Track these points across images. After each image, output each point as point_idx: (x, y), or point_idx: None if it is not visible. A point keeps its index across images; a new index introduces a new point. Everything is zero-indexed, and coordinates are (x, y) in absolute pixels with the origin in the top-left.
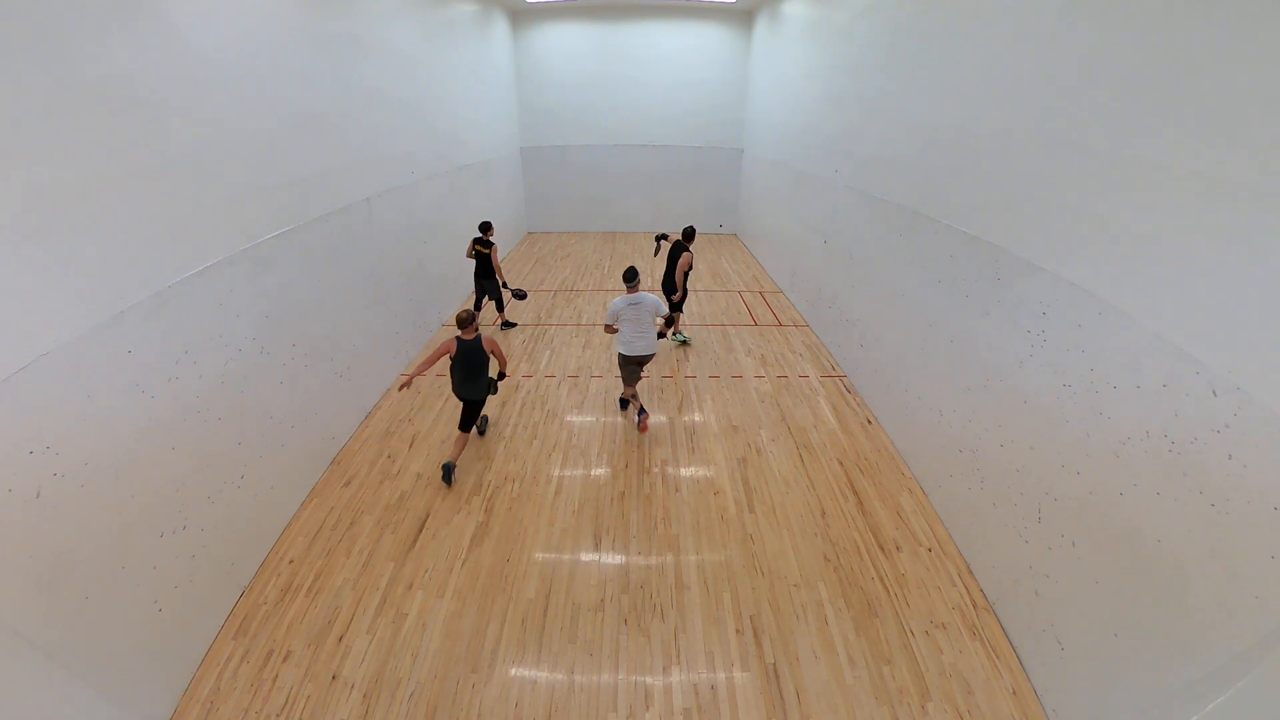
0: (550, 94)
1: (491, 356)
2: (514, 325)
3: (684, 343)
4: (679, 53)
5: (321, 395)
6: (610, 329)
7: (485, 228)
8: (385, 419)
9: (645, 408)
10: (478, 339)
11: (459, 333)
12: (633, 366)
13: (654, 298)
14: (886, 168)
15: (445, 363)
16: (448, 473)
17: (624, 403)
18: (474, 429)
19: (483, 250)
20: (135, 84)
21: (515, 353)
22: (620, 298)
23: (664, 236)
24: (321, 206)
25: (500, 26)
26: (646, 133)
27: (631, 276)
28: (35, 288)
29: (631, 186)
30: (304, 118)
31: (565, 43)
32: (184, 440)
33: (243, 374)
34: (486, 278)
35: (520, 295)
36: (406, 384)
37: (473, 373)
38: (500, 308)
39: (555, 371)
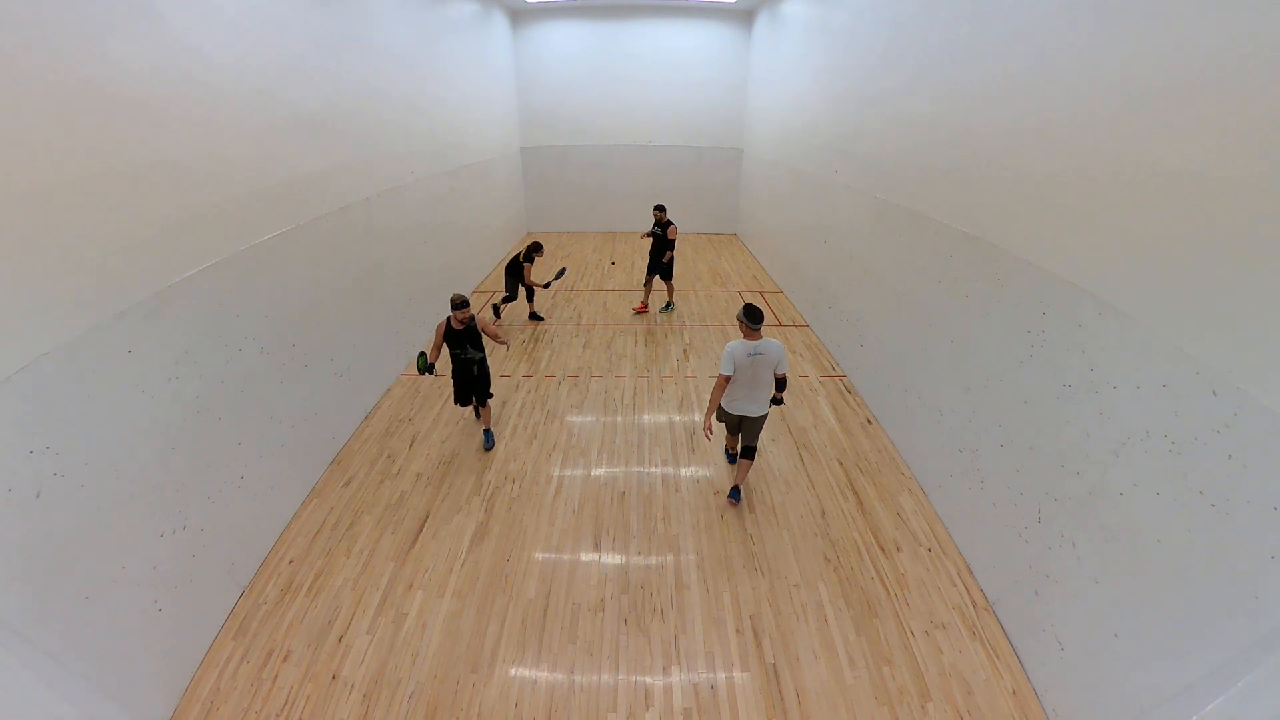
0: (550, 94)
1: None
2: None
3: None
4: (679, 53)
5: (321, 395)
6: (723, 382)
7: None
8: (385, 419)
9: (740, 488)
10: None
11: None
12: (735, 421)
13: (779, 346)
14: (886, 168)
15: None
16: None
17: (732, 456)
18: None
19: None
20: (135, 84)
21: (515, 353)
22: (738, 344)
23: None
24: (321, 206)
25: (500, 26)
26: (646, 133)
27: (756, 318)
28: (35, 288)
29: (631, 186)
30: (304, 118)
31: (565, 42)
32: (184, 440)
33: (243, 374)
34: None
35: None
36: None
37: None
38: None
39: (555, 371)
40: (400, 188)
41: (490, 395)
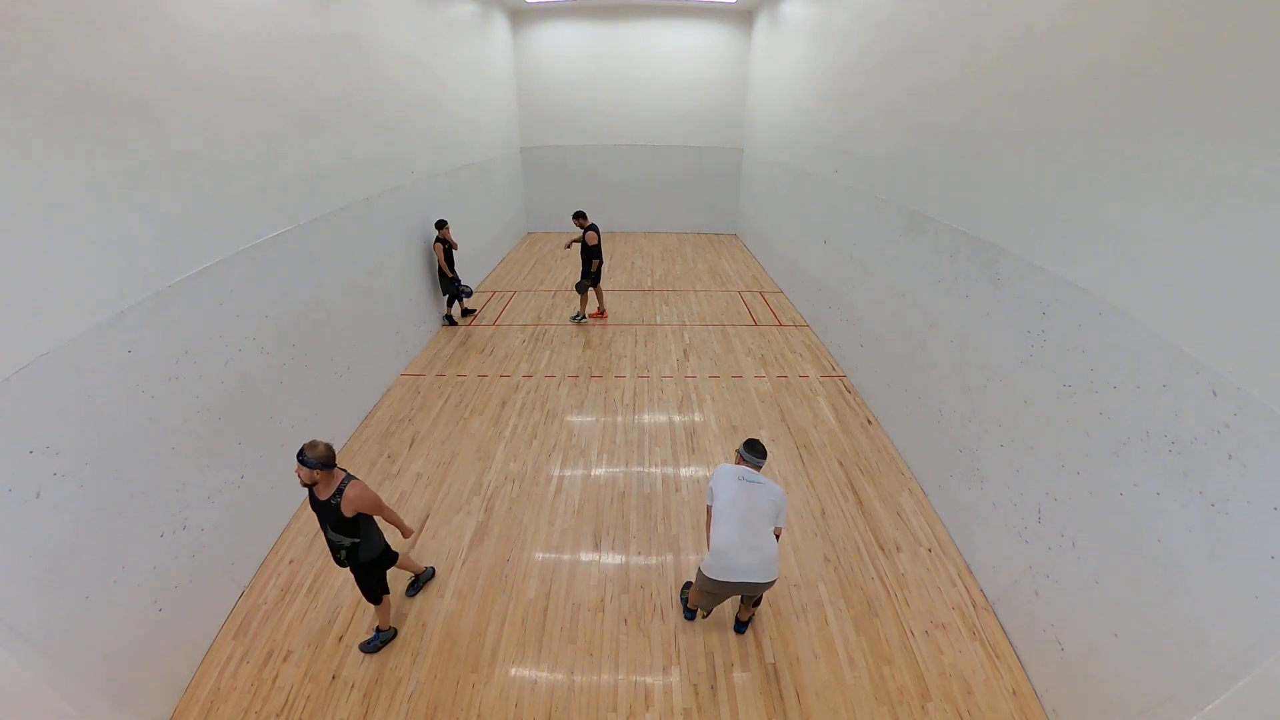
0: (550, 94)
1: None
2: (473, 312)
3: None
4: (679, 53)
5: (321, 395)
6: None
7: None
8: (385, 419)
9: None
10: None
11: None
12: (723, 594)
13: (781, 492)
14: (886, 168)
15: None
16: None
17: (690, 612)
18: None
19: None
20: (135, 84)
21: (515, 353)
22: (730, 467)
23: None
24: (321, 206)
25: (500, 26)
26: (647, 133)
27: (758, 452)
28: (35, 288)
29: (631, 186)
30: (304, 118)
31: (565, 43)
32: (184, 440)
33: (243, 374)
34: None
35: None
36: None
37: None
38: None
39: (555, 371)
40: (400, 188)
41: (378, 599)
